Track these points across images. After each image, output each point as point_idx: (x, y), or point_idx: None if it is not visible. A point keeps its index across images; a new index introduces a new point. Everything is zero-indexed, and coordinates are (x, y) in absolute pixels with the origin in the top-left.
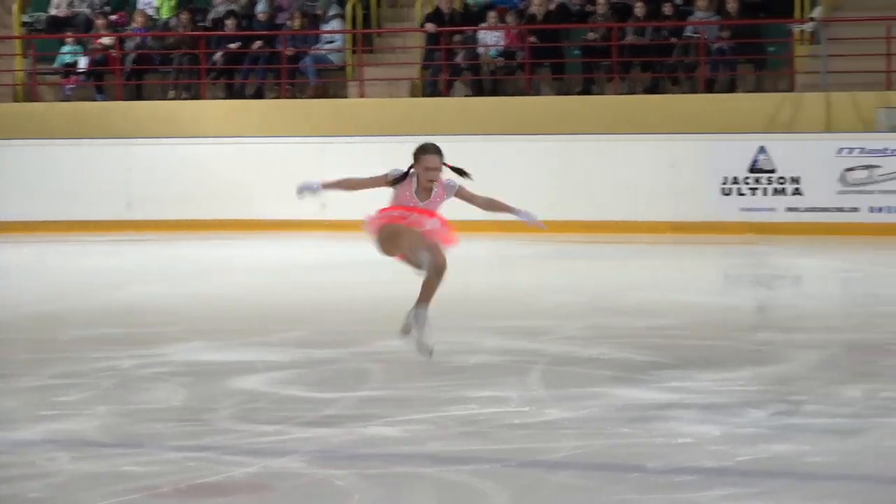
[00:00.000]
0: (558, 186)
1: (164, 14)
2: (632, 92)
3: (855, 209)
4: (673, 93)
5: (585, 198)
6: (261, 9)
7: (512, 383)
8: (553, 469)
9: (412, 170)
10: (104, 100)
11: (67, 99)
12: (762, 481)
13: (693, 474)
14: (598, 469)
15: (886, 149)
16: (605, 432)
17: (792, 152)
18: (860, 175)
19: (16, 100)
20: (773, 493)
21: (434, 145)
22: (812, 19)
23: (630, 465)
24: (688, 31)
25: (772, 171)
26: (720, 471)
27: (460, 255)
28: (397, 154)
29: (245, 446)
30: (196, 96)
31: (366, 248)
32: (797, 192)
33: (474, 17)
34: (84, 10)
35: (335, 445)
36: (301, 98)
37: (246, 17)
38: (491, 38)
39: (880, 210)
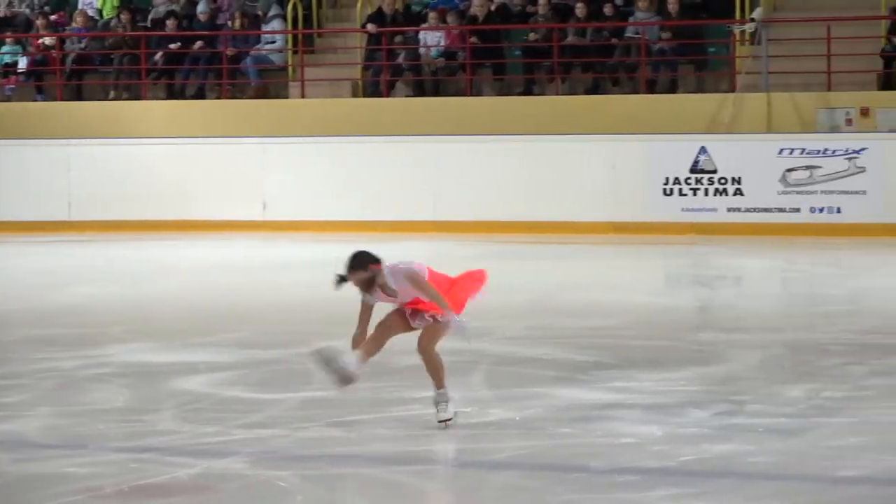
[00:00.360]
0: (500, 187)
1: (107, 14)
2: (573, 92)
3: (796, 209)
4: (614, 93)
5: (527, 198)
6: (201, 9)
7: (454, 384)
8: (496, 469)
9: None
10: (44, 100)
11: (7, 99)
12: (705, 481)
13: (636, 474)
14: (541, 469)
15: (827, 149)
16: (547, 433)
17: (733, 153)
18: (801, 175)
19: None
20: (716, 493)
21: (351, 260)
22: (752, 20)
23: (573, 465)
24: (629, 32)
25: (713, 172)
26: (663, 471)
27: (401, 255)
28: (339, 154)
29: (188, 447)
30: (136, 97)
31: (306, 249)
32: (738, 192)
33: (415, 18)
34: (24, 10)
35: (278, 446)
36: (242, 98)
37: (186, 17)
38: (432, 39)
39: (821, 210)
